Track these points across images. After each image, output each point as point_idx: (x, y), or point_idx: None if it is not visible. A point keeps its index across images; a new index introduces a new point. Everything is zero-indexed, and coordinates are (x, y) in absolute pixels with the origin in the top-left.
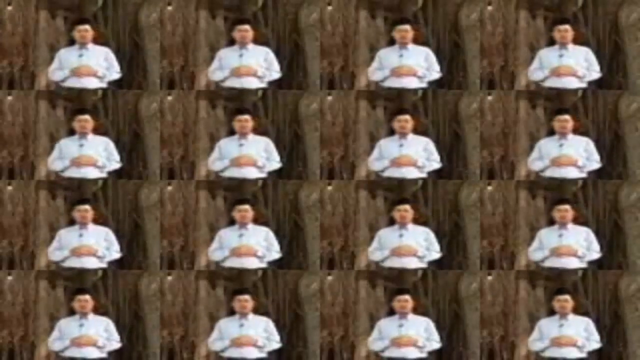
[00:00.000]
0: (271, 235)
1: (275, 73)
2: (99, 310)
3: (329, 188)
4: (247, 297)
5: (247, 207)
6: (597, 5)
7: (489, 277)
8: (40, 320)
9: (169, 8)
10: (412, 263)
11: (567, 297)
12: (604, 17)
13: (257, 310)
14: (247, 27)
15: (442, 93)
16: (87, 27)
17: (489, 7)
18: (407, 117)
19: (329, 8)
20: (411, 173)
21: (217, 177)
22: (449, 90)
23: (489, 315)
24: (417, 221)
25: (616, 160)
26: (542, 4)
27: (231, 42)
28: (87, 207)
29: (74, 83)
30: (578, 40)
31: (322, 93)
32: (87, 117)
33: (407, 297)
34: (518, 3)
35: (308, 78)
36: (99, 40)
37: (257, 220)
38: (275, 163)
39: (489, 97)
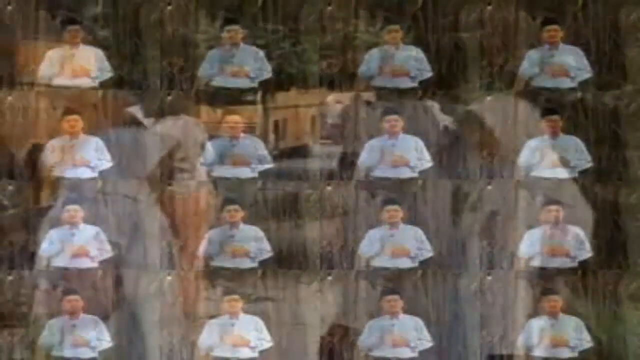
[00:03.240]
0: (261, 234)
1: (267, 73)
2: (98, 310)
3: (329, 188)
4: (236, 297)
5: (236, 207)
6: (597, 5)
7: (489, 277)
8: (41, 320)
9: (169, 8)
10: (404, 263)
11: (557, 297)
12: (604, 17)
13: (256, 310)
14: (236, 27)
15: (442, 93)
16: (77, 27)
17: (489, 7)
18: (397, 117)
19: (329, 8)
20: (404, 173)
21: (217, 177)
22: (448, 91)
23: (489, 315)
24: (415, 221)
25: (616, 161)
26: (542, 4)
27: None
28: (75, 207)
29: (65, 82)
30: (577, 40)
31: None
32: (75, 117)
33: (395, 297)
34: (518, 3)
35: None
36: (87, 40)
37: (257, 220)
38: (267, 163)
39: (489, 97)
